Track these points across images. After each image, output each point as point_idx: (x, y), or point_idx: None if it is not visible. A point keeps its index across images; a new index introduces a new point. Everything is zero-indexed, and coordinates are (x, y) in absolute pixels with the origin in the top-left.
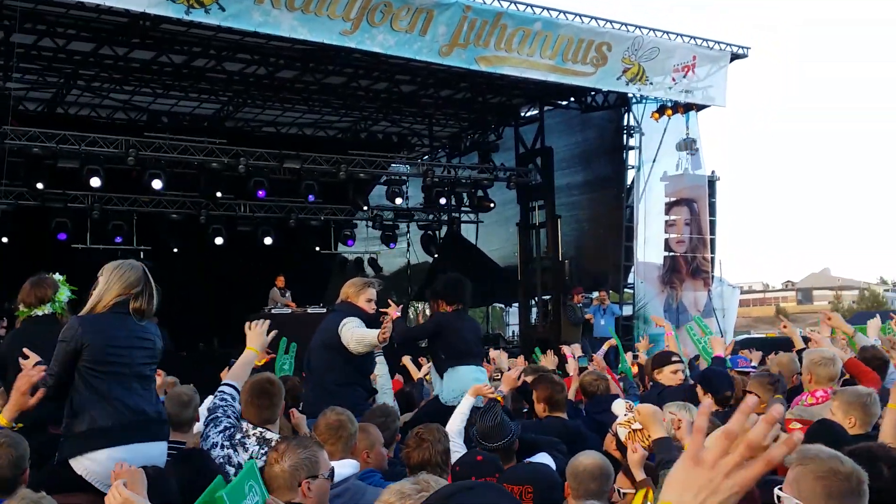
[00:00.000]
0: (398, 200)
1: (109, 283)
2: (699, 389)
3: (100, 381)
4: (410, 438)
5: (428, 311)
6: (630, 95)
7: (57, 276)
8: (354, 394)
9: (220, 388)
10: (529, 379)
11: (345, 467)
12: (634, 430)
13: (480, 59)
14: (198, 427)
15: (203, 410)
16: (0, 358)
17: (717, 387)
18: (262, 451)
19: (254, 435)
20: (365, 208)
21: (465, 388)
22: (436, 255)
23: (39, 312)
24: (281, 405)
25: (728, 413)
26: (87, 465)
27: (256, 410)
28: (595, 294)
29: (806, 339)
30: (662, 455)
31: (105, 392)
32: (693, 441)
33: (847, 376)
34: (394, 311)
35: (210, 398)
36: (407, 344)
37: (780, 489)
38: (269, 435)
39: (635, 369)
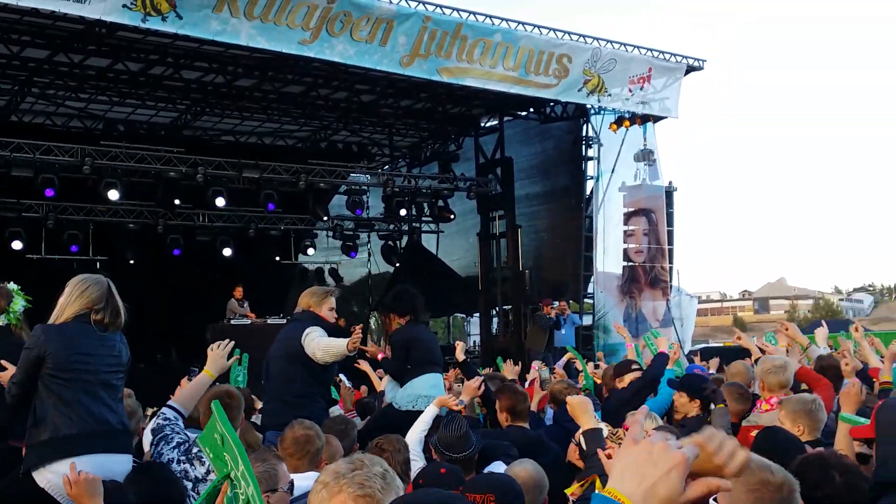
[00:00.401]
0: (358, 210)
1: (71, 298)
2: (684, 395)
3: (63, 388)
4: (370, 448)
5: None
6: (589, 106)
7: (12, 286)
8: (316, 405)
9: (162, 411)
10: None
11: (308, 479)
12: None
13: (442, 70)
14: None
15: (146, 433)
16: None
17: (699, 391)
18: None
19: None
20: (325, 218)
21: (420, 395)
22: (397, 265)
23: None
24: (240, 418)
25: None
26: (49, 478)
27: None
28: (556, 304)
29: (761, 350)
30: (592, 445)
31: (68, 399)
32: (632, 428)
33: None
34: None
35: (153, 420)
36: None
37: (715, 499)
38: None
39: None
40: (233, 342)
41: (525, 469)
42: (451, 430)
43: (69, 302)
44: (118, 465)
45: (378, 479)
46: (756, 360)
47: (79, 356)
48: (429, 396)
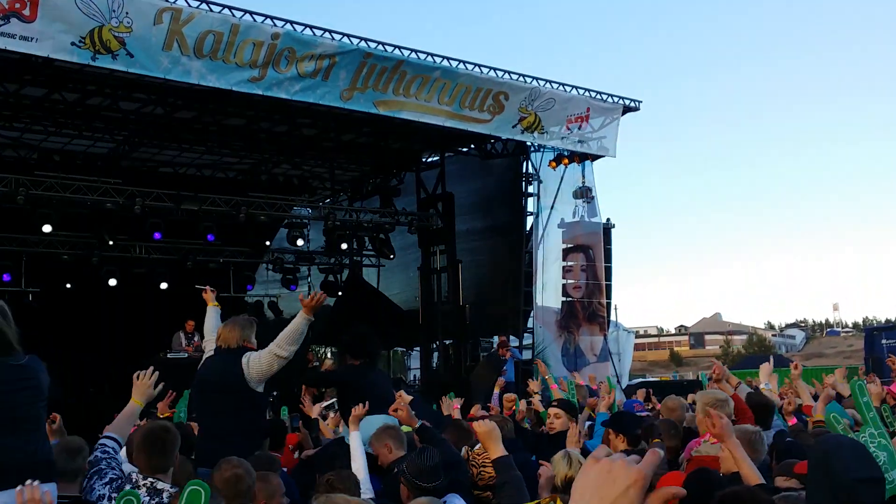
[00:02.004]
0: (299, 243)
1: None
2: (610, 432)
3: None
4: (321, 484)
5: (329, 357)
6: (528, 144)
7: None
8: (250, 442)
9: (101, 441)
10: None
11: None
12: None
13: (379, 104)
14: None
15: None
16: None
17: (627, 427)
18: (154, 502)
19: (144, 485)
20: (267, 244)
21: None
22: (338, 297)
23: None
24: (175, 454)
25: (637, 452)
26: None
27: (146, 459)
28: (495, 339)
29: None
30: (503, 474)
31: None
32: (596, 451)
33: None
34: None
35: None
36: (317, 386)
37: None
38: (160, 485)
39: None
40: (156, 372)
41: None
42: (424, 459)
43: None
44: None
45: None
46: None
47: None
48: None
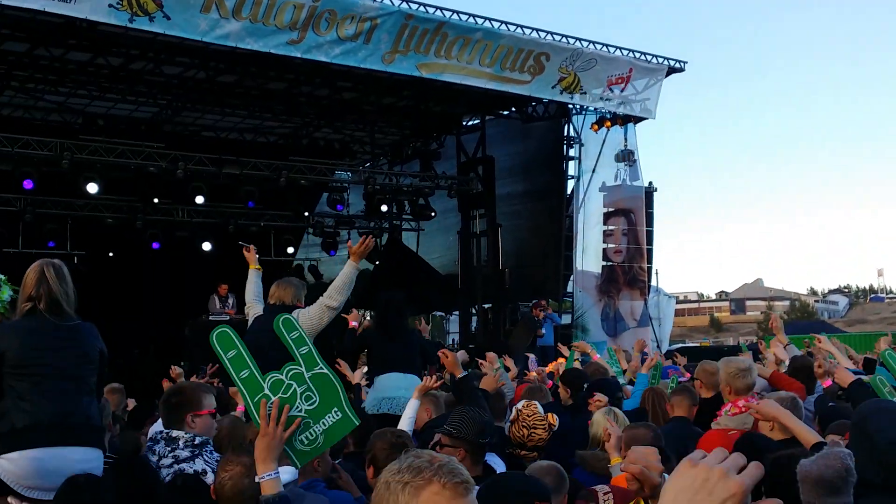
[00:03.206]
0: (339, 207)
1: (20, 289)
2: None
3: (20, 383)
4: (384, 441)
5: (368, 318)
6: (570, 106)
7: None
8: None
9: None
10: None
11: (284, 474)
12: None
13: (422, 66)
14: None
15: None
16: None
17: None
18: (170, 449)
19: (162, 438)
20: (306, 214)
21: (383, 397)
22: (377, 263)
23: None
24: (185, 414)
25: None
26: (4, 465)
27: (164, 415)
28: (534, 303)
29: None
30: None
31: (24, 394)
32: (693, 454)
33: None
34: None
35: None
36: (353, 352)
37: None
38: (174, 433)
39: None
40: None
41: (550, 462)
42: (475, 415)
43: (20, 293)
44: (74, 454)
45: (462, 467)
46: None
47: (35, 352)
48: (392, 398)
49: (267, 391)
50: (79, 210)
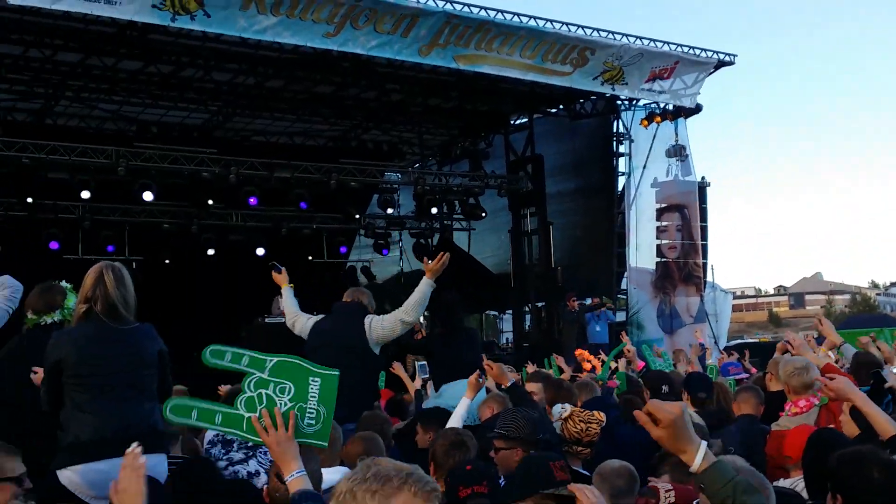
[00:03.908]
0: (390, 209)
1: (79, 294)
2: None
3: (80, 393)
4: (444, 439)
5: (422, 320)
6: (619, 102)
7: (65, 284)
8: (360, 401)
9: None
10: (533, 385)
11: (334, 474)
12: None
13: (459, 58)
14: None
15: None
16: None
17: (694, 388)
18: (224, 452)
19: (218, 440)
20: (357, 216)
21: (446, 402)
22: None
23: (49, 319)
24: None
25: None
26: (69, 476)
27: None
28: (588, 301)
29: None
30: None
31: (85, 405)
32: None
33: None
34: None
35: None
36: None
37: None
38: (230, 436)
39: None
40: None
41: (621, 462)
42: (526, 414)
43: (77, 298)
44: (147, 466)
45: (431, 479)
46: None
47: (92, 360)
48: (452, 407)
49: (245, 413)
50: (136, 216)
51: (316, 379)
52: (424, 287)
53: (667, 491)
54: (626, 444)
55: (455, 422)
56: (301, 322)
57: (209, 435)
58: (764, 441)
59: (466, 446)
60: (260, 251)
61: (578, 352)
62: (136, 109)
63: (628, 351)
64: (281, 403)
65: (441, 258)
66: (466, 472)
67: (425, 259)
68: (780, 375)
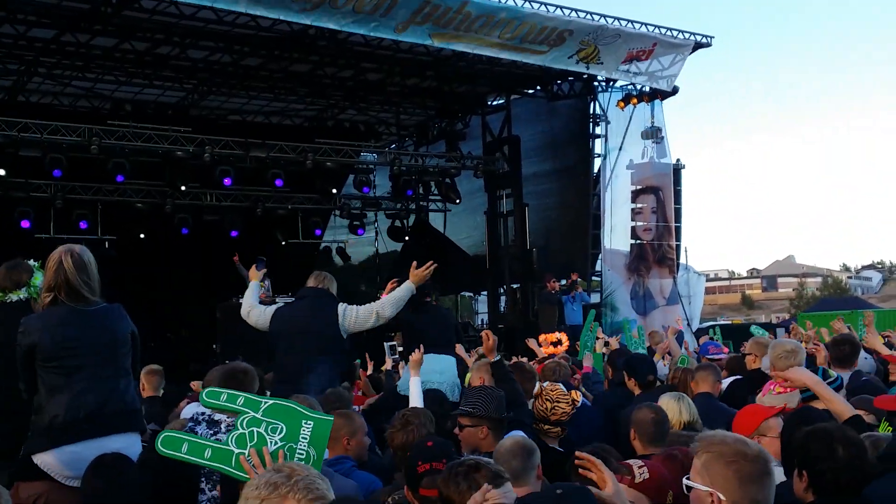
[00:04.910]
0: (365, 189)
1: (44, 278)
2: (625, 375)
3: (54, 376)
4: (396, 420)
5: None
6: (595, 84)
7: (32, 263)
8: (328, 386)
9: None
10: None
11: None
12: None
13: (434, 36)
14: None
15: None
16: None
17: (639, 372)
18: (212, 432)
19: (203, 420)
20: (333, 194)
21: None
22: (405, 241)
23: (14, 297)
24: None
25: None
26: (43, 458)
27: None
28: (563, 281)
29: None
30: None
31: (58, 387)
32: None
33: None
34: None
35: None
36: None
37: (688, 478)
38: (217, 416)
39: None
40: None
41: (512, 438)
42: (494, 392)
43: (42, 285)
44: (115, 443)
45: (320, 480)
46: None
47: (63, 342)
48: (427, 382)
49: (235, 449)
50: (108, 195)
51: (309, 422)
52: (405, 289)
53: (640, 467)
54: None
55: (414, 402)
56: (256, 313)
57: (189, 412)
58: (722, 417)
59: (413, 425)
60: (235, 234)
61: (542, 336)
62: (110, 87)
63: (600, 338)
64: (271, 442)
65: (428, 266)
66: (426, 447)
67: (414, 264)
68: (770, 357)
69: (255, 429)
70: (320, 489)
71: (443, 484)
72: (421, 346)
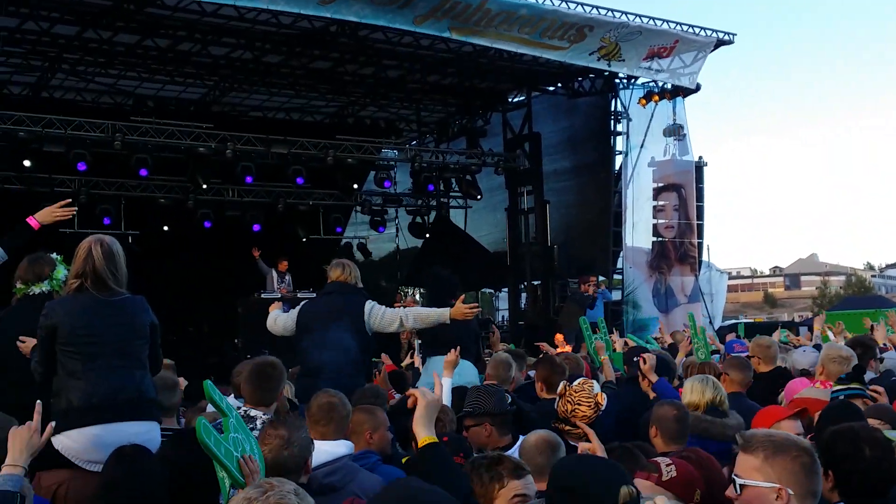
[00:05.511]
0: (387, 183)
1: (73, 265)
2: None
3: (73, 361)
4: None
5: (418, 297)
6: (617, 81)
7: (55, 256)
8: (352, 381)
9: None
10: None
11: (339, 447)
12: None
13: (453, 29)
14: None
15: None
16: None
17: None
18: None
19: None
20: (354, 190)
21: (431, 381)
22: (426, 238)
23: (36, 290)
24: (280, 388)
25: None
26: (63, 441)
27: (251, 391)
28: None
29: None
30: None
31: (78, 372)
32: None
33: None
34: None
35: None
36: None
37: (738, 476)
38: (252, 412)
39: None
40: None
41: (537, 434)
42: (483, 388)
43: (70, 272)
44: (132, 428)
45: (292, 495)
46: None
47: (83, 328)
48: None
49: (235, 452)
50: (132, 190)
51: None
52: (438, 313)
53: (667, 465)
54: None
55: (443, 402)
56: (283, 318)
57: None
58: (750, 416)
59: (442, 423)
60: (257, 228)
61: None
62: (133, 83)
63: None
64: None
65: (473, 307)
66: (442, 443)
67: (462, 297)
68: (821, 356)
69: (240, 435)
70: (288, 503)
71: None
72: (457, 346)
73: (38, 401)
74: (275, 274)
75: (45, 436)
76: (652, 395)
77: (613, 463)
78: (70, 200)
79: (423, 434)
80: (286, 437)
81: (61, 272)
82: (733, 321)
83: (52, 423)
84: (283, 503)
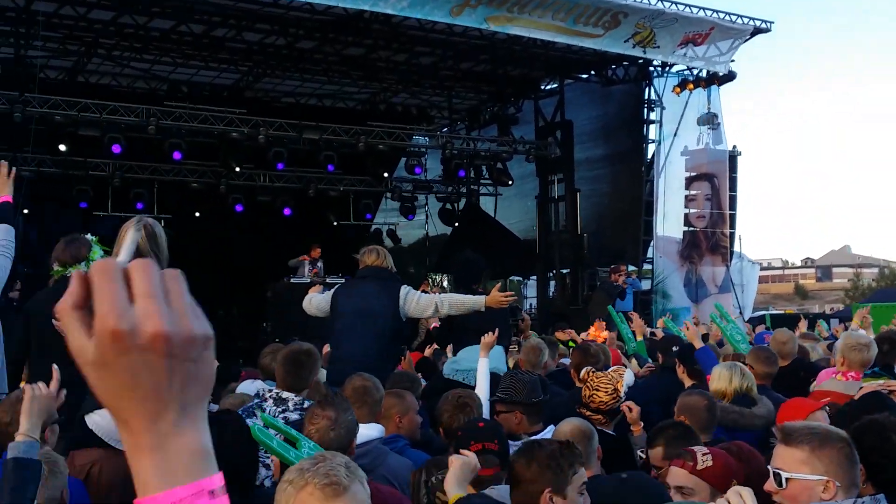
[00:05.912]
0: (418, 169)
1: (115, 245)
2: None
3: None
4: (449, 401)
5: (445, 284)
6: (651, 69)
7: (90, 237)
8: (383, 367)
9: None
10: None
11: (370, 430)
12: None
13: (490, 19)
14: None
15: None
16: (31, 315)
17: (689, 360)
18: (280, 410)
19: (270, 396)
20: (385, 177)
21: (458, 368)
22: (455, 226)
23: (73, 271)
24: (312, 376)
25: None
26: (96, 420)
27: (283, 376)
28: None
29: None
30: None
31: None
32: None
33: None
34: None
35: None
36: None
37: (781, 470)
38: (284, 394)
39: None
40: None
41: (570, 423)
42: (518, 374)
43: (113, 253)
44: None
45: (342, 468)
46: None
47: None
48: (466, 370)
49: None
50: (165, 175)
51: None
52: (474, 300)
53: (704, 454)
54: None
55: (480, 386)
56: (318, 298)
57: (250, 388)
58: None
59: (470, 408)
60: (287, 212)
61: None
62: (168, 68)
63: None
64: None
65: (509, 296)
66: (479, 428)
67: (498, 285)
68: (839, 346)
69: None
70: (337, 475)
71: (523, 466)
72: (496, 329)
73: (54, 365)
74: (307, 259)
75: (58, 402)
76: (688, 382)
77: (654, 481)
78: (6, 163)
79: (454, 492)
80: (334, 417)
81: (97, 253)
82: (762, 312)
83: (64, 391)
84: (332, 474)
